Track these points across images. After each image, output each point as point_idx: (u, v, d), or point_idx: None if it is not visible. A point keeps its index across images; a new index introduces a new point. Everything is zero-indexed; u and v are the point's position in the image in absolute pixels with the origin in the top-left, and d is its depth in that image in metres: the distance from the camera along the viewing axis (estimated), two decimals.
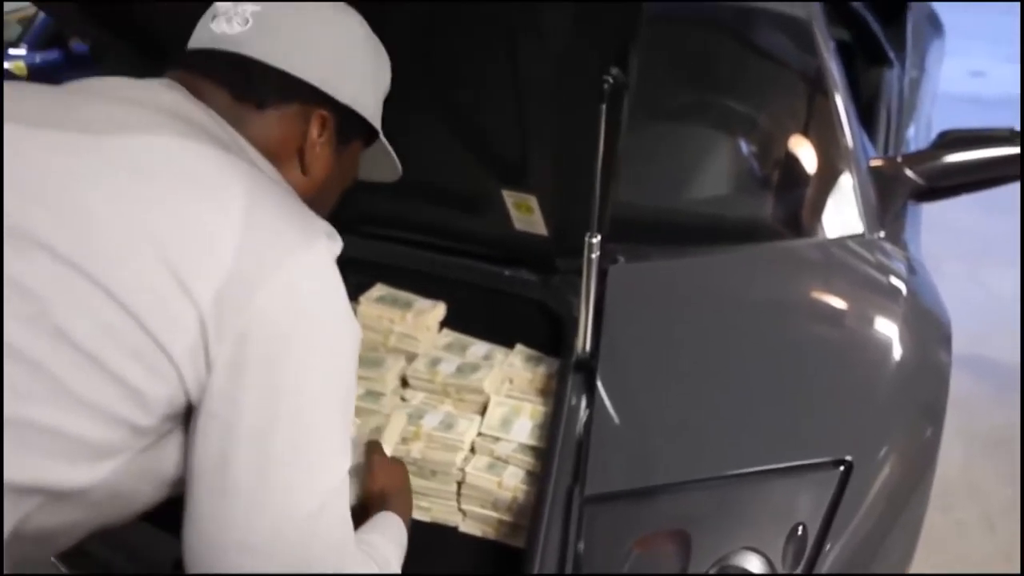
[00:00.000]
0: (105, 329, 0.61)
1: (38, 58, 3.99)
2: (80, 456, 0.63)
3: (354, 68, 0.85)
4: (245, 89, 0.78)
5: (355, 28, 0.86)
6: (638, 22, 0.91)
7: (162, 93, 0.76)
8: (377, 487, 0.99)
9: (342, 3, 0.87)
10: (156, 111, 0.72)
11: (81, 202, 0.64)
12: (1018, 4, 7.07)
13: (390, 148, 0.96)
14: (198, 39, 0.83)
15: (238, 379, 0.64)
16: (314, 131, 0.82)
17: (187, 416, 0.68)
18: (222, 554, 0.65)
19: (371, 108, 0.89)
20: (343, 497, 0.71)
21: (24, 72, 3.91)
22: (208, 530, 0.66)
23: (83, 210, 0.63)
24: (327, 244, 0.72)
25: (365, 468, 1.03)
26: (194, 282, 0.63)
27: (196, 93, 0.77)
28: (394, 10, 1.02)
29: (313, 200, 0.82)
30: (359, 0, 0.88)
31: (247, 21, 0.79)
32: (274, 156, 0.79)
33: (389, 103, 0.95)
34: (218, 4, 0.83)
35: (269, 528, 0.66)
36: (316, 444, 0.68)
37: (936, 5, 3.17)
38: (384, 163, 0.98)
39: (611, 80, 0.94)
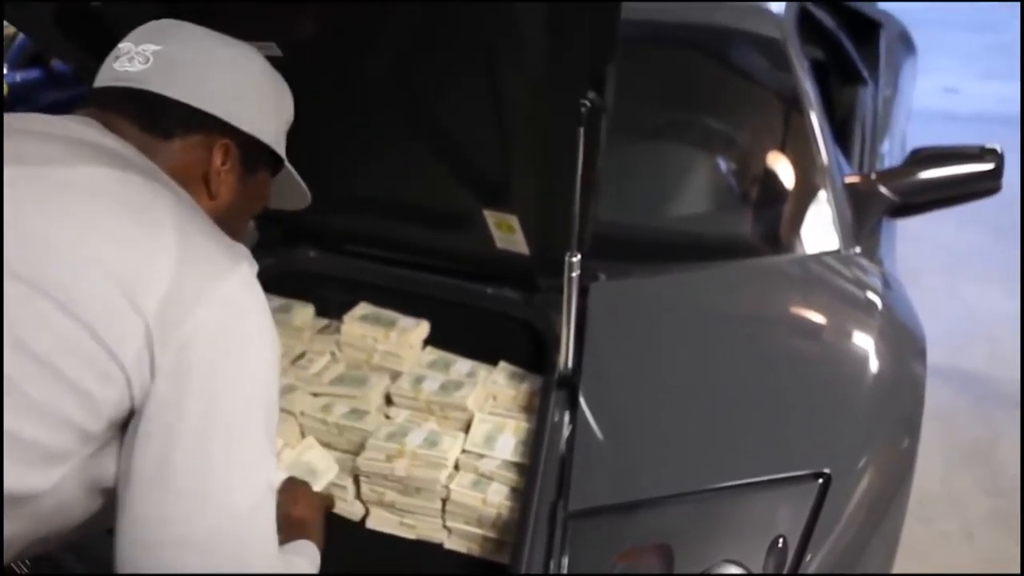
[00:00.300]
0: (60, 340, 0.66)
1: (18, 77, 3.97)
2: (36, 460, 0.67)
3: (253, 99, 0.91)
4: (151, 122, 0.84)
5: (252, 62, 0.92)
6: (613, 45, 0.94)
7: (79, 128, 0.81)
8: (296, 514, 1.02)
9: (240, 42, 0.92)
10: (78, 144, 0.78)
11: (29, 227, 0.69)
12: (987, 22, 7.24)
13: (297, 176, 1.01)
14: (103, 78, 0.88)
15: (181, 386, 0.69)
16: (217, 159, 0.87)
17: (124, 427, 0.72)
18: (161, 551, 0.68)
19: (273, 136, 0.94)
20: (274, 497, 0.75)
21: (4, 91, 3.89)
22: (147, 528, 0.69)
23: (31, 234, 0.69)
24: (249, 265, 0.78)
25: (286, 495, 1.05)
26: (139, 296, 0.68)
27: (108, 127, 0.83)
28: (376, 39, 1.04)
29: (221, 222, 0.86)
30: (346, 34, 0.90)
31: (148, 60, 0.85)
32: (183, 182, 0.84)
33: (374, 128, 0.97)
34: (121, 45, 0.88)
35: (208, 524, 0.69)
36: (250, 445, 0.73)
37: (908, 22, 3.24)
38: (295, 191, 1.04)
39: (588, 104, 0.97)
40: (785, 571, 0.97)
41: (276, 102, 0.95)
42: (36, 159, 0.74)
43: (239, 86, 0.89)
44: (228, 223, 0.89)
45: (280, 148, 0.96)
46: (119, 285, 0.68)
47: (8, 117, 0.82)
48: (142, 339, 0.68)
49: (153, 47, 0.86)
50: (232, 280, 0.74)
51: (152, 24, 0.90)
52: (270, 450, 0.75)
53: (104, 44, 1.27)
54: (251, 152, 0.91)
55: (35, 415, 0.66)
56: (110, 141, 0.80)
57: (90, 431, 0.69)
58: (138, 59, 0.85)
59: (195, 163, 0.86)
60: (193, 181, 0.85)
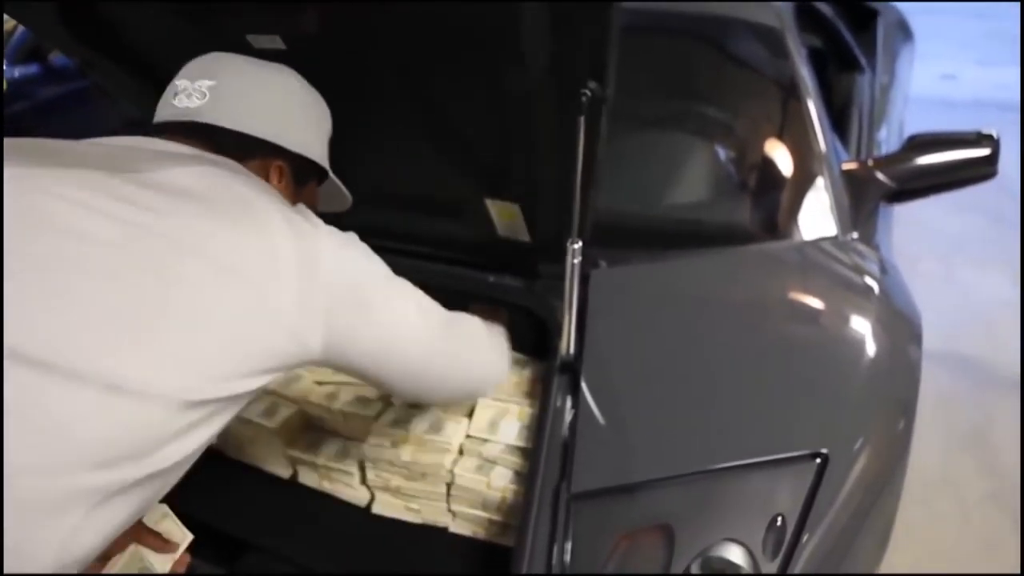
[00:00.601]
0: (242, 305, 0.78)
1: (17, 72, 3.96)
2: (249, 372, 0.79)
3: (299, 120, 0.99)
4: (215, 149, 0.91)
5: (294, 85, 1.00)
6: (613, 35, 0.95)
7: (162, 144, 0.89)
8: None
9: (280, 65, 1.00)
10: (174, 155, 0.86)
11: (199, 224, 0.78)
12: (985, 9, 7.23)
13: (339, 183, 1.10)
14: (164, 114, 0.95)
15: (345, 311, 0.85)
16: (274, 179, 0.97)
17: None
18: (421, 384, 1.03)
19: (318, 151, 1.03)
20: (430, 308, 1.02)
21: (3, 86, 3.88)
22: (410, 388, 1.03)
23: (200, 228, 0.78)
24: (318, 216, 0.91)
25: None
26: (282, 266, 0.80)
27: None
28: (377, 30, 1.06)
29: None
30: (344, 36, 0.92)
31: (204, 95, 0.93)
32: None
33: (376, 119, 0.99)
34: (177, 82, 0.96)
35: (445, 380, 1.06)
36: (405, 298, 0.97)
37: (906, 10, 3.25)
38: (337, 195, 1.13)
39: (589, 93, 0.98)
40: (784, 548, 0.99)
41: (319, 119, 1.03)
42: (150, 168, 0.81)
43: (288, 111, 0.98)
44: None
45: (325, 161, 1.04)
46: (270, 262, 0.79)
47: (101, 140, 0.90)
48: (298, 296, 0.80)
49: (208, 82, 0.94)
50: (322, 227, 0.87)
51: (203, 59, 0.98)
52: (416, 291, 1.00)
53: (109, 39, 1.29)
54: (301, 168, 1.00)
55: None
56: (189, 150, 0.89)
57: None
58: (195, 95, 0.93)
59: None
60: None
